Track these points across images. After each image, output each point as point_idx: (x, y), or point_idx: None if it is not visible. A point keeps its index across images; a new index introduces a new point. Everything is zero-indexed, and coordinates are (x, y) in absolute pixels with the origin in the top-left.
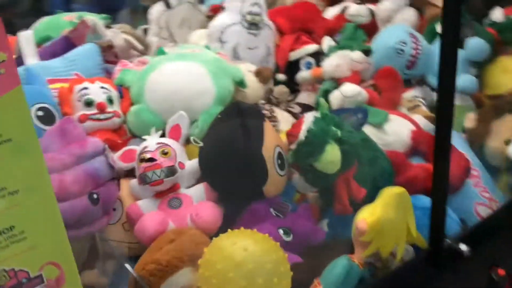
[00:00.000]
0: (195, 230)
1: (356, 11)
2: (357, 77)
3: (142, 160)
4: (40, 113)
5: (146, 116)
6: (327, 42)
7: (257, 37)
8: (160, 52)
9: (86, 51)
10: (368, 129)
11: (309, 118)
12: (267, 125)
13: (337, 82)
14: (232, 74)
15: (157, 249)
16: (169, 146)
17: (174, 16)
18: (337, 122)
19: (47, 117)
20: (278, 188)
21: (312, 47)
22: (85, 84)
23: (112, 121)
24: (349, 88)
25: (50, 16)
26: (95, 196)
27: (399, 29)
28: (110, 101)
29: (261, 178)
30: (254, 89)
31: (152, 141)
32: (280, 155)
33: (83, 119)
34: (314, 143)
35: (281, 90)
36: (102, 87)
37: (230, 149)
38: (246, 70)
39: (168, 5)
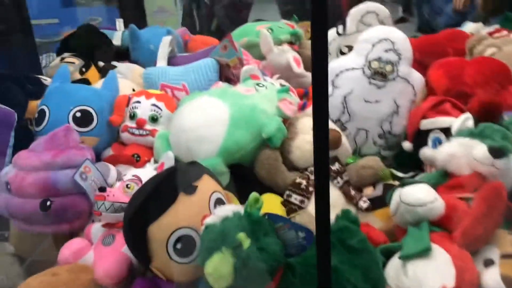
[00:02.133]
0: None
1: None
2: (476, 181)
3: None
4: (78, 114)
5: (160, 143)
6: (462, 119)
7: (381, 90)
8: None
9: (202, 65)
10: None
11: (223, 212)
12: (189, 201)
13: (447, 176)
14: (260, 127)
15: (44, 274)
16: (139, 182)
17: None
18: (258, 231)
19: (84, 119)
20: (180, 275)
21: (445, 121)
22: (141, 98)
23: (145, 139)
24: (412, 192)
25: (248, 23)
26: (48, 203)
27: None
28: (154, 119)
29: (143, 257)
30: (304, 152)
31: (137, 171)
32: (182, 240)
33: (124, 129)
34: (203, 242)
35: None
36: (154, 105)
37: (125, 214)
38: (310, 128)
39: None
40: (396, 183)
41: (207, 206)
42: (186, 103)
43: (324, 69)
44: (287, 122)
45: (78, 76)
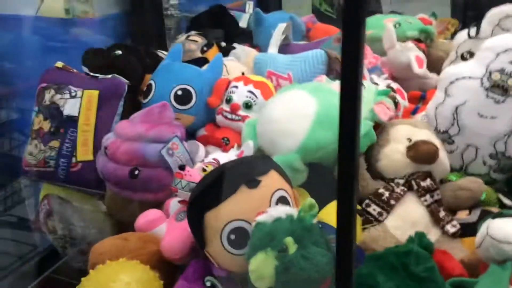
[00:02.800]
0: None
1: None
2: None
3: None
4: (180, 92)
5: (248, 131)
6: None
7: (499, 105)
8: None
9: (311, 56)
10: None
11: (277, 212)
12: (250, 194)
13: None
14: None
15: (119, 237)
16: (217, 165)
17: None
18: (307, 238)
19: (184, 98)
20: (231, 265)
21: None
22: (239, 83)
23: (237, 124)
24: (502, 226)
25: (378, 15)
26: (136, 172)
27: None
28: (248, 106)
29: (199, 240)
30: (393, 161)
31: (218, 155)
32: (236, 231)
33: (219, 112)
34: (252, 239)
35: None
36: (250, 91)
37: (190, 196)
38: (404, 137)
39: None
40: (496, 210)
41: (267, 203)
42: (279, 94)
43: (355, 68)
44: (380, 127)
45: (198, 54)
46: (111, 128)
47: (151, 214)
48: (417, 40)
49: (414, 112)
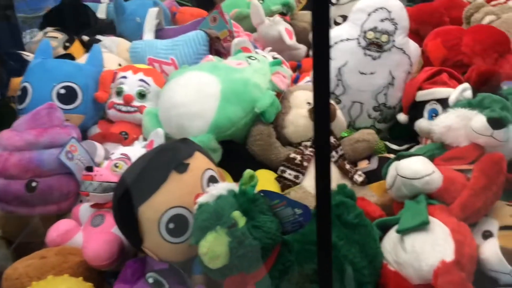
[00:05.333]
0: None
1: None
2: (474, 153)
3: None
4: (62, 91)
5: (149, 120)
6: (460, 89)
7: (376, 61)
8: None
9: (192, 38)
10: (390, 236)
11: (217, 190)
12: (181, 179)
13: (444, 149)
14: (252, 101)
15: (32, 257)
16: (128, 160)
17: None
18: (253, 209)
19: (69, 96)
20: (173, 255)
21: (442, 92)
22: (127, 73)
23: (133, 115)
24: (409, 165)
25: None
26: (33, 184)
27: None
28: (142, 95)
29: (134, 237)
30: (298, 126)
31: (126, 149)
32: (174, 219)
33: (110, 106)
34: (197, 222)
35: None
36: (141, 80)
37: (114, 195)
38: (304, 101)
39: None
40: (391, 156)
41: (199, 185)
42: (175, 78)
43: (325, 38)
44: (280, 96)
45: (61, 51)
46: None
47: (63, 225)
48: (281, 14)
49: (296, 80)
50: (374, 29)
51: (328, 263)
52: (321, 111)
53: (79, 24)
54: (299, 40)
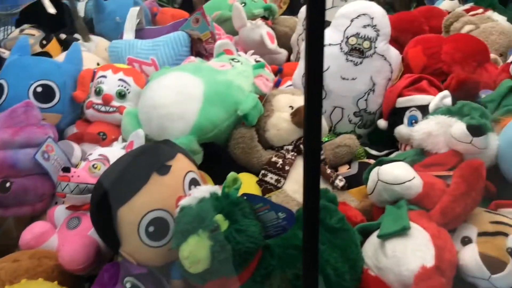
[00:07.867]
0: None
1: None
2: (453, 159)
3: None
4: (40, 89)
5: (129, 120)
6: (440, 97)
7: (358, 67)
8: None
9: (174, 39)
10: (371, 241)
11: (200, 193)
12: (163, 181)
13: (424, 155)
14: (235, 104)
15: (5, 260)
16: (106, 162)
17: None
18: (236, 212)
19: (46, 95)
20: (152, 260)
21: (422, 99)
22: (107, 72)
23: (112, 116)
24: (390, 170)
25: None
26: (7, 184)
27: None
28: (121, 95)
29: (112, 241)
30: (281, 130)
31: (104, 150)
32: (155, 222)
33: (88, 106)
34: (178, 225)
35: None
36: (121, 80)
37: (92, 196)
38: (286, 105)
39: None
40: (371, 161)
41: (181, 187)
42: (156, 79)
43: (319, 43)
44: (263, 99)
45: (38, 49)
46: None
47: (38, 227)
48: (263, 18)
49: (277, 84)
50: (356, 35)
51: (314, 268)
52: (313, 116)
53: (56, 21)
54: (280, 45)
